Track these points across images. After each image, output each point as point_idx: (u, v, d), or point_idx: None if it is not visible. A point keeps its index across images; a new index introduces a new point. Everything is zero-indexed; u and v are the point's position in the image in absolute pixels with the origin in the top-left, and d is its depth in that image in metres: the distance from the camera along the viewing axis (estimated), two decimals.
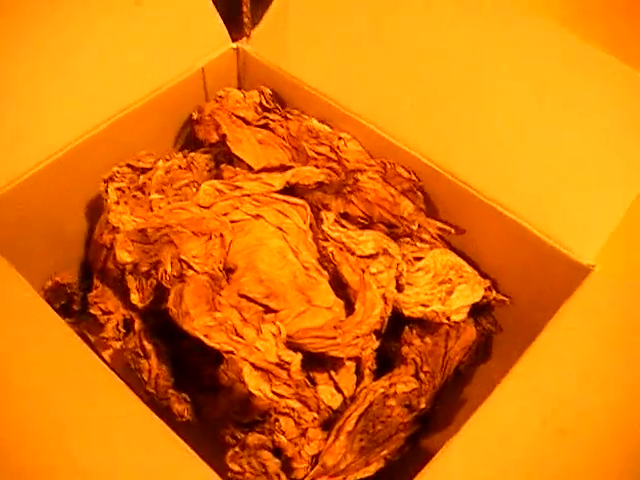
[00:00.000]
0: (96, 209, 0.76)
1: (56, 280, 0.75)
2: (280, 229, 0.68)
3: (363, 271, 0.66)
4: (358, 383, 0.69)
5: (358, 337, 0.64)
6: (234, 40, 0.81)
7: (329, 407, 0.66)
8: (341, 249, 0.67)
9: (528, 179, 0.68)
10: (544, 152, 0.69)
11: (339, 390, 0.67)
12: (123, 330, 0.71)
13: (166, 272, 0.64)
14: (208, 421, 0.70)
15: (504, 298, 0.73)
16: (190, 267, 0.63)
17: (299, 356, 0.62)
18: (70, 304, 0.77)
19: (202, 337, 0.60)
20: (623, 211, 0.66)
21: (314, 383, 0.67)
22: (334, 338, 0.63)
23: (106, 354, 0.73)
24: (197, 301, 0.62)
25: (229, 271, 0.66)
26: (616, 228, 0.66)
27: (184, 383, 0.70)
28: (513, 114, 0.71)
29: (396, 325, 0.71)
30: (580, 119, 0.69)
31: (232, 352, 0.61)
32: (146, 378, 0.69)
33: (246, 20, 0.90)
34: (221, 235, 0.66)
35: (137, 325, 0.70)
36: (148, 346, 0.69)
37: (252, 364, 0.61)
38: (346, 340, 0.63)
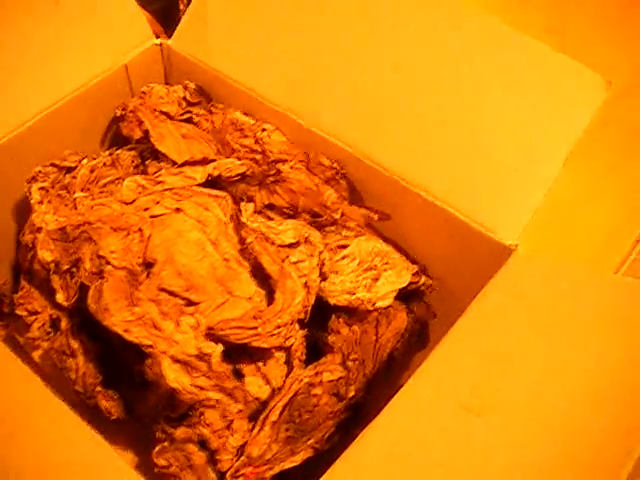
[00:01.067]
0: (24, 210, 0.76)
1: None
2: (199, 222, 0.67)
3: (283, 260, 0.66)
4: (288, 374, 0.68)
5: (280, 327, 0.63)
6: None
7: (257, 398, 0.66)
8: (261, 239, 0.67)
9: (450, 163, 0.69)
10: (465, 135, 0.69)
11: (267, 381, 0.67)
12: (50, 330, 0.70)
13: (85, 269, 0.64)
14: (140, 418, 0.70)
15: (433, 282, 0.72)
16: (108, 263, 0.63)
17: (220, 347, 0.62)
18: (0, 306, 0.77)
19: (121, 332, 0.61)
20: (544, 191, 0.66)
21: (242, 375, 0.66)
22: (255, 328, 0.63)
23: (36, 355, 0.72)
24: (116, 297, 0.62)
25: (149, 265, 0.66)
26: (537, 208, 0.66)
27: (116, 380, 0.70)
28: (433, 97, 0.71)
29: (326, 314, 0.70)
30: (501, 98, 0.69)
31: (151, 346, 0.61)
32: (73, 377, 0.69)
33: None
34: (140, 230, 0.66)
35: (64, 324, 0.70)
36: (74, 344, 0.69)
37: (171, 357, 0.61)
38: (267, 330, 0.63)
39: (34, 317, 0.71)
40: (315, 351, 0.71)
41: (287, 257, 0.66)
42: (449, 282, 0.75)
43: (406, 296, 0.74)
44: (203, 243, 0.66)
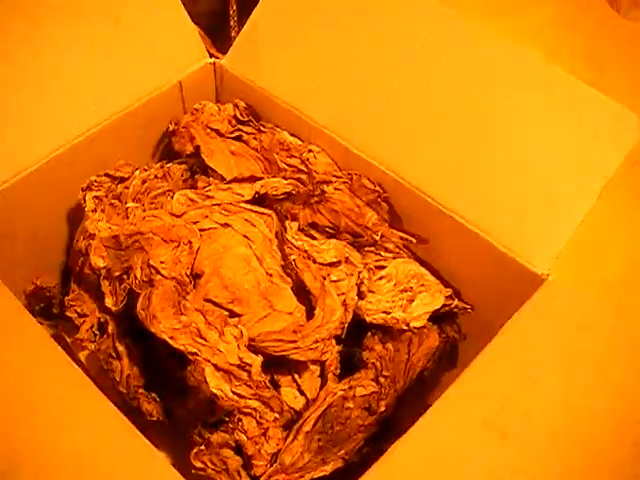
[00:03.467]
0: (76, 217, 0.79)
1: (36, 284, 0.78)
2: (246, 237, 0.70)
3: (324, 278, 0.69)
4: (322, 386, 0.71)
5: (318, 341, 0.66)
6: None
7: (292, 408, 0.69)
8: (304, 257, 0.70)
9: (487, 190, 0.71)
10: (502, 164, 0.71)
11: (302, 392, 0.70)
12: (97, 332, 0.73)
13: (136, 277, 0.67)
14: (179, 421, 0.73)
15: (466, 306, 0.75)
16: (158, 272, 0.66)
17: (259, 358, 0.64)
18: (49, 307, 0.80)
19: (168, 339, 0.63)
20: (577, 223, 0.68)
21: (278, 385, 0.69)
22: (294, 342, 0.66)
23: (82, 355, 0.75)
24: (164, 305, 0.65)
25: (196, 277, 0.69)
26: (570, 239, 0.68)
27: (156, 384, 0.73)
28: (474, 125, 0.73)
29: (361, 332, 0.73)
30: (538, 129, 0.71)
31: (196, 354, 0.63)
32: (118, 378, 0.72)
33: (233, 34, 0.94)
34: (189, 242, 0.68)
35: (110, 327, 0.73)
36: (120, 347, 0.72)
37: (214, 365, 0.63)
38: (306, 344, 0.66)
39: (83, 319, 0.74)
40: (349, 366, 0.73)
41: (328, 275, 0.69)
42: (481, 306, 0.77)
43: (439, 318, 0.76)
44: (249, 258, 0.69)
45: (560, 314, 0.65)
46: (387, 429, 0.72)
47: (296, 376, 0.70)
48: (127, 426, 0.57)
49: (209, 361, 0.63)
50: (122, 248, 0.69)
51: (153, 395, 0.71)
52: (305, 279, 0.68)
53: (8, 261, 0.73)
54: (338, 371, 0.72)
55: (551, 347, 0.63)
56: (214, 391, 0.63)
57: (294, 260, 0.69)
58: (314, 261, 0.70)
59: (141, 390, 0.71)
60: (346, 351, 0.73)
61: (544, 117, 0.72)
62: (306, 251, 0.70)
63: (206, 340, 0.64)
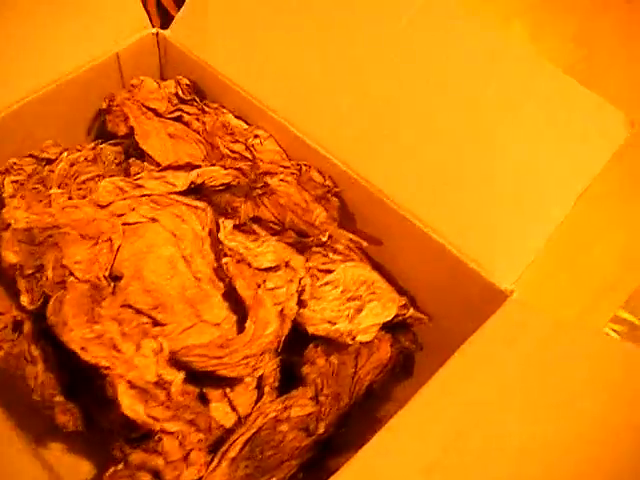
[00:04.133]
0: None
1: None
2: (174, 235, 0.63)
3: (259, 286, 0.61)
4: (257, 401, 0.64)
5: (248, 357, 0.59)
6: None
7: (221, 426, 0.62)
8: (238, 260, 0.62)
9: (451, 194, 0.64)
10: (470, 165, 0.65)
11: (234, 408, 0.63)
12: (13, 335, 0.66)
13: (47, 278, 0.60)
14: (101, 430, 0.66)
15: (421, 316, 0.69)
16: (72, 274, 0.59)
17: (181, 376, 0.58)
18: None
19: (78, 350, 0.57)
20: (545, 239, 0.62)
21: (207, 399, 0.62)
22: (220, 357, 0.59)
23: None
24: (76, 311, 0.58)
25: (115, 279, 0.62)
26: (537, 255, 0.62)
27: (77, 390, 0.66)
28: (441, 121, 0.66)
29: (306, 339, 0.66)
30: (515, 130, 0.65)
31: (109, 368, 0.57)
32: (32, 385, 0.65)
33: None
34: (109, 239, 0.61)
35: (26, 328, 0.66)
36: (35, 351, 0.65)
37: (128, 382, 0.57)
38: (234, 360, 0.59)
39: None
40: (291, 376, 0.66)
41: (263, 282, 0.62)
42: (439, 316, 0.71)
43: (392, 326, 0.69)
44: (175, 260, 0.62)
45: (525, 334, 0.59)
46: (326, 451, 0.65)
47: (227, 390, 0.63)
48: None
49: (123, 377, 0.57)
50: (35, 243, 0.62)
51: (70, 406, 0.64)
52: (237, 287, 0.61)
53: None
54: (277, 384, 0.65)
55: (514, 369, 0.57)
56: (126, 412, 0.57)
57: (226, 264, 0.62)
58: (249, 265, 0.62)
59: (57, 399, 0.65)
60: (287, 360, 0.66)
61: (523, 114, 0.65)
62: (240, 254, 0.62)
63: (121, 353, 0.57)
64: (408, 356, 0.73)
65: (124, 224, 0.64)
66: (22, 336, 0.67)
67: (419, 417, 0.55)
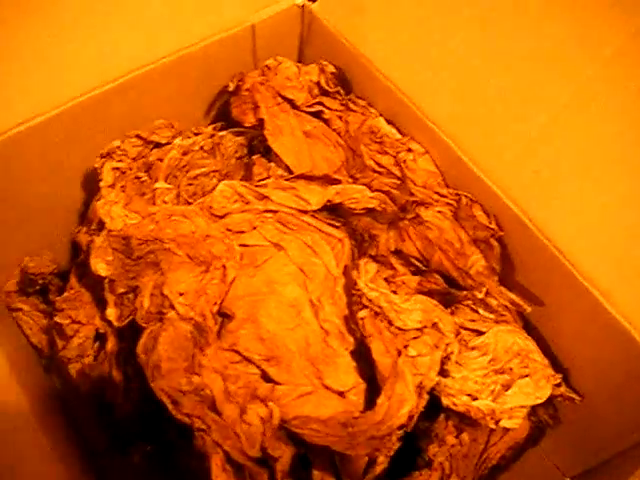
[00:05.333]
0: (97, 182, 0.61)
1: (26, 269, 0.61)
2: (302, 271, 0.51)
3: (399, 352, 0.49)
4: (366, 471, 0.53)
5: (374, 438, 0.48)
6: None
7: None
8: (376, 314, 0.50)
9: (632, 259, 0.52)
10: None
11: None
12: (93, 347, 0.56)
13: (142, 306, 0.49)
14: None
15: (574, 396, 0.57)
16: (172, 307, 0.48)
17: (289, 452, 0.47)
18: (45, 291, 0.63)
19: (168, 404, 0.47)
20: None
21: (310, 463, 0.51)
22: (341, 437, 0.47)
23: (73, 368, 0.58)
24: (173, 354, 0.48)
25: (225, 316, 0.50)
26: None
27: (155, 427, 0.56)
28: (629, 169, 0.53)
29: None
30: None
31: (204, 431, 0.46)
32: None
33: None
34: (223, 267, 0.50)
35: (109, 345, 0.56)
36: (117, 376, 0.56)
37: (225, 453, 0.46)
38: (357, 440, 0.48)
39: (77, 327, 0.56)
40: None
41: (405, 348, 0.50)
42: (591, 391, 0.58)
43: None
44: (301, 305, 0.51)
45: None
46: None
47: (337, 457, 0.52)
48: None
49: (220, 446, 0.45)
50: (133, 257, 0.50)
51: (148, 449, 0.54)
52: (373, 350, 0.50)
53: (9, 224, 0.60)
54: (391, 453, 0.53)
55: None
56: None
57: (362, 319, 0.50)
58: (390, 323, 0.50)
59: (134, 438, 0.54)
60: None
61: None
62: (381, 308, 0.50)
63: (221, 415, 0.46)
64: (541, 430, 0.62)
65: (241, 245, 0.52)
66: (104, 353, 0.56)
67: None
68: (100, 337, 0.59)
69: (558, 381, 0.56)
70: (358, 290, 0.52)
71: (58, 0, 0.58)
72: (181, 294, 0.49)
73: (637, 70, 0.52)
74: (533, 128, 0.54)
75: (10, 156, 0.56)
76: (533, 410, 0.59)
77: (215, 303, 0.50)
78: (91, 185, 0.63)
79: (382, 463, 0.52)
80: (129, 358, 0.57)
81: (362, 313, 0.51)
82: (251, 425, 0.47)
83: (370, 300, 0.52)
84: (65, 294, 0.59)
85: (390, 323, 0.51)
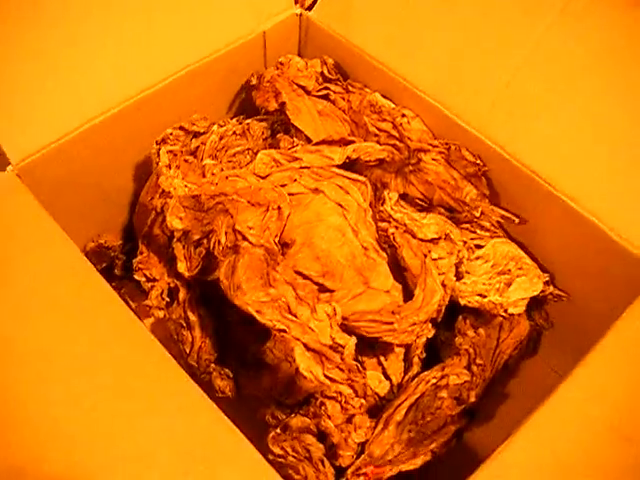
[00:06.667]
0: (144, 172, 0.74)
1: (100, 242, 0.72)
2: (340, 205, 0.65)
3: (425, 255, 0.63)
4: (406, 371, 0.66)
5: (415, 324, 0.61)
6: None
7: (376, 393, 0.64)
8: (403, 231, 0.64)
9: (602, 172, 0.64)
10: (623, 144, 0.64)
11: (387, 377, 0.65)
12: (167, 299, 0.68)
13: (219, 242, 0.61)
14: (247, 398, 0.68)
15: (561, 294, 0.70)
16: (245, 239, 0.60)
17: (353, 340, 0.59)
18: (112, 268, 0.75)
19: (254, 313, 0.58)
20: None
21: (363, 368, 0.64)
22: (391, 324, 0.60)
23: (147, 322, 0.70)
24: (250, 275, 0.59)
25: (285, 245, 0.63)
26: None
27: (226, 357, 0.68)
28: (596, 102, 0.66)
29: (447, 314, 0.68)
30: None
31: (284, 330, 0.58)
32: (188, 350, 0.67)
33: None
34: (279, 207, 0.63)
35: (182, 295, 0.67)
36: (192, 317, 0.67)
37: (304, 344, 0.58)
38: (402, 327, 0.61)
39: (152, 284, 0.68)
40: (429, 349, 0.68)
41: (429, 252, 0.63)
42: (575, 294, 0.71)
43: (528, 303, 0.70)
44: (344, 228, 0.64)
45: None
46: (471, 420, 0.67)
47: (382, 358, 0.65)
48: (207, 402, 0.52)
49: (299, 340, 0.58)
50: (203, 210, 0.63)
51: (226, 371, 0.66)
52: (404, 256, 0.63)
53: (71, 216, 0.66)
54: (424, 355, 0.66)
55: None
56: (304, 373, 0.58)
57: (392, 234, 0.63)
58: (414, 236, 0.64)
59: (213, 365, 0.66)
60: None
61: None
62: (406, 225, 0.64)
63: (296, 316, 0.58)
64: (538, 333, 0.75)
65: (288, 194, 0.65)
66: (177, 303, 0.68)
67: (581, 397, 0.54)
68: (171, 294, 0.70)
69: (547, 278, 0.69)
70: (386, 213, 0.66)
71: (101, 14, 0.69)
72: (250, 228, 0.62)
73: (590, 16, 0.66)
74: (502, 80, 0.68)
75: (77, 150, 0.66)
76: (529, 314, 0.72)
77: (276, 235, 0.63)
78: (138, 177, 0.76)
79: (419, 349, 0.65)
80: (198, 301, 0.69)
81: (392, 229, 0.65)
82: (321, 321, 0.60)
83: (396, 220, 0.65)
84: (138, 257, 0.70)
85: (413, 236, 0.65)
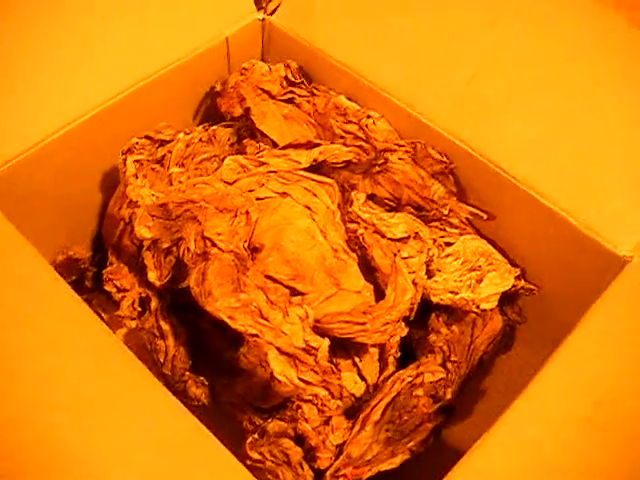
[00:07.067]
0: (111, 182, 0.73)
1: (69, 255, 0.72)
2: (308, 208, 0.65)
3: (395, 255, 0.63)
4: (381, 371, 0.66)
5: (388, 323, 0.61)
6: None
7: (352, 394, 0.64)
8: (372, 231, 0.64)
9: (566, 165, 0.65)
10: (585, 137, 0.66)
11: (362, 377, 0.65)
12: (139, 309, 0.68)
13: (189, 250, 0.61)
14: (223, 405, 0.68)
15: (532, 287, 0.71)
16: (214, 245, 0.60)
17: (327, 341, 0.59)
18: (82, 280, 0.74)
19: (226, 319, 0.58)
20: None
21: (338, 369, 0.64)
22: (363, 324, 0.60)
23: (120, 333, 0.70)
24: (221, 281, 0.59)
25: (254, 250, 0.63)
26: None
27: (201, 365, 0.68)
28: (550, 93, 0.68)
29: (420, 312, 0.68)
30: (628, 108, 0.66)
31: (257, 335, 0.58)
32: (162, 359, 0.67)
33: None
34: (247, 212, 0.63)
35: (154, 304, 0.67)
36: (165, 326, 0.66)
37: (278, 348, 0.58)
38: (375, 326, 0.61)
39: (122, 294, 0.68)
40: (403, 348, 0.69)
41: (398, 252, 0.63)
42: (547, 287, 0.72)
43: (501, 298, 0.71)
44: (312, 231, 0.64)
45: None
46: (448, 417, 0.67)
47: (357, 359, 0.65)
48: (181, 409, 0.52)
49: (272, 344, 0.58)
50: (172, 218, 0.63)
51: (201, 379, 0.66)
52: (374, 255, 0.63)
53: (38, 228, 0.66)
54: (398, 354, 0.67)
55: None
56: (278, 377, 0.58)
57: (362, 234, 0.64)
58: (383, 236, 0.64)
59: (188, 373, 0.66)
60: None
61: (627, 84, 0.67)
62: (374, 225, 0.64)
63: (268, 321, 0.58)
64: (511, 328, 0.75)
65: (256, 199, 0.65)
66: (149, 312, 0.68)
67: (557, 389, 0.55)
68: (142, 304, 0.70)
69: (518, 273, 0.69)
70: (353, 214, 0.66)
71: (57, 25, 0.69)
72: (219, 234, 0.62)
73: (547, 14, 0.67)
74: (463, 78, 0.69)
75: (42, 162, 0.66)
76: (502, 310, 0.72)
77: (245, 240, 0.63)
78: (105, 188, 0.75)
79: (393, 348, 0.65)
80: (170, 310, 0.69)
81: (361, 230, 0.65)
82: (293, 324, 0.60)
83: (364, 220, 0.65)
84: (108, 268, 0.70)
85: (382, 236, 0.65)
